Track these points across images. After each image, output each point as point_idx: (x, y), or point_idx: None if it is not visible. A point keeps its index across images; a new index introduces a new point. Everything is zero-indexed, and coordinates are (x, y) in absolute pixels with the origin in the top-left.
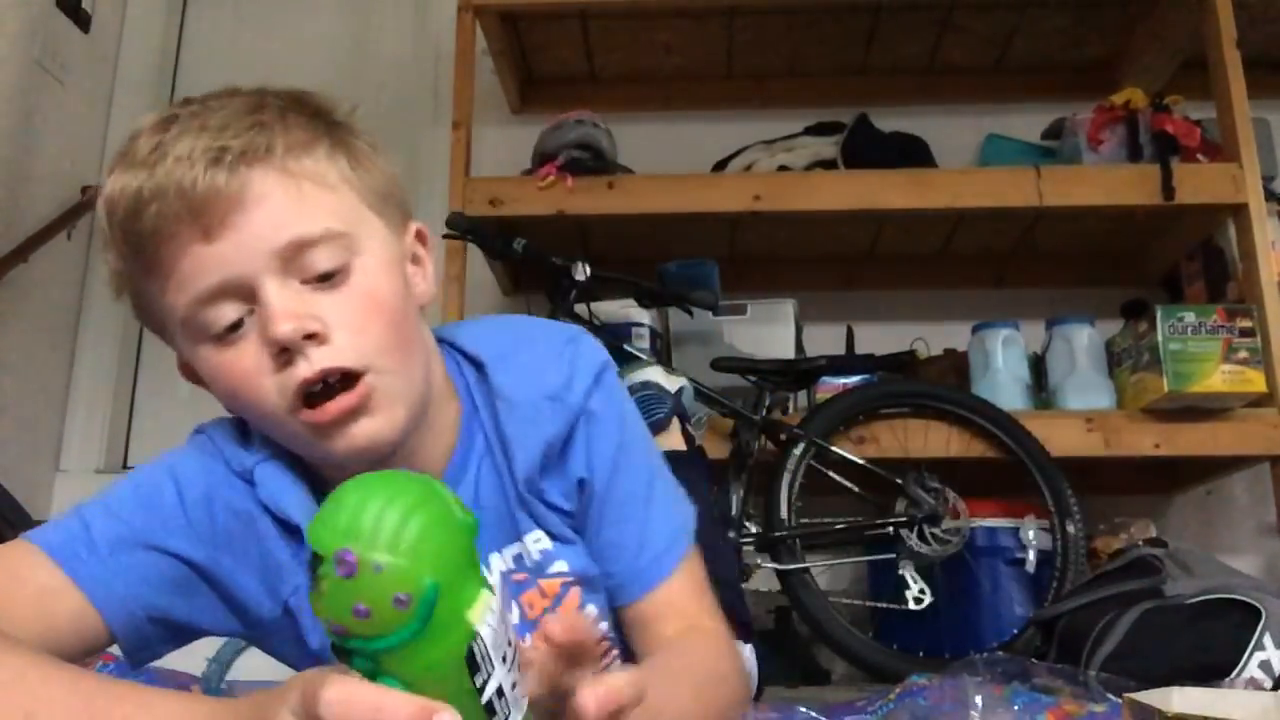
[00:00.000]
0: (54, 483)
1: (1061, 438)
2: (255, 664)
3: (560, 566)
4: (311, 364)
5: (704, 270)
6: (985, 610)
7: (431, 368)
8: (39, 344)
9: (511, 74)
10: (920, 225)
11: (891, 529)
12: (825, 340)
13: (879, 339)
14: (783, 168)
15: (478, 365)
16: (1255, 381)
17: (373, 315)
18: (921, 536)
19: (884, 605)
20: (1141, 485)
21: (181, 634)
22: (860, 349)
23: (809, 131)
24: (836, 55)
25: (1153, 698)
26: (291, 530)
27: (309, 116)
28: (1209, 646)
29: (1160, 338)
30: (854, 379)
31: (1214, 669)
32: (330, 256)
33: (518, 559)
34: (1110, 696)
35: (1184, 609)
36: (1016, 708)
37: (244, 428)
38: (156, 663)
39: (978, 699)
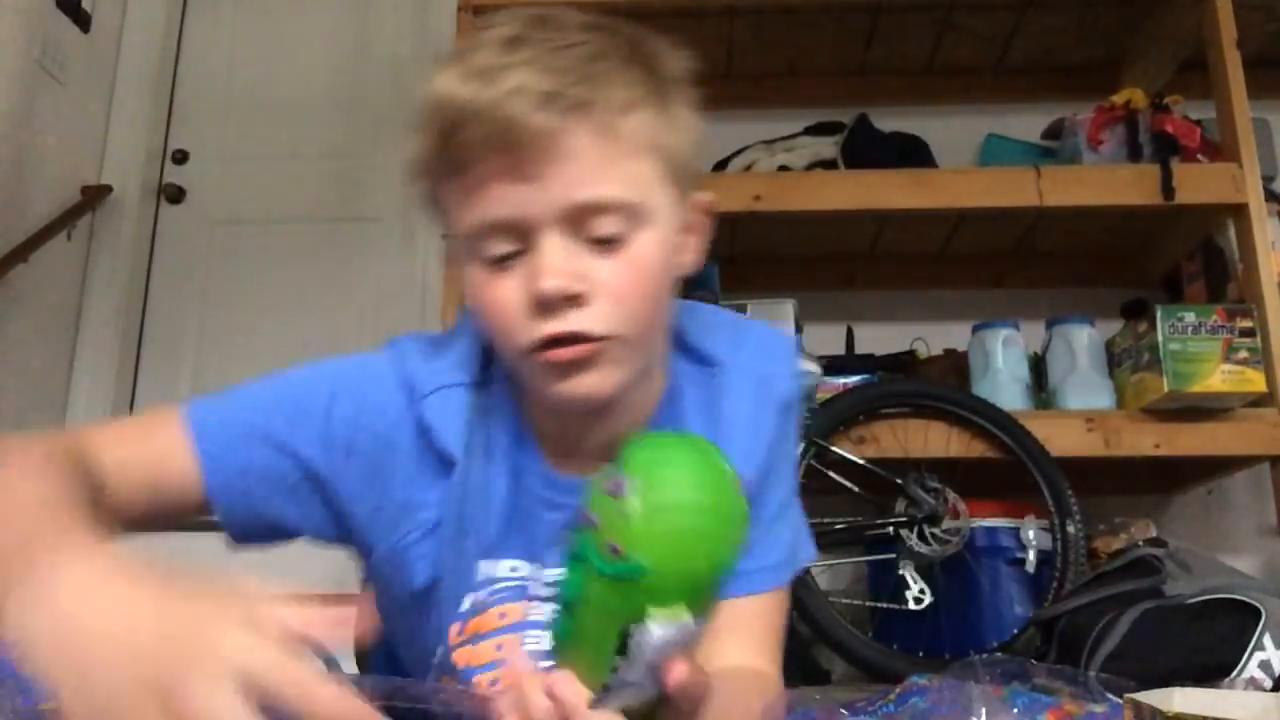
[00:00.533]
0: None
1: (1061, 438)
2: None
3: None
4: (563, 323)
5: (704, 270)
6: (985, 610)
7: (659, 347)
8: (39, 344)
9: None
10: (920, 225)
11: (891, 529)
12: (825, 340)
13: (879, 339)
14: (783, 168)
15: (699, 356)
16: (1255, 381)
17: (636, 287)
18: (921, 536)
19: (884, 605)
20: (1141, 485)
21: (280, 534)
22: (860, 349)
23: (809, 131)
24: (836, 55)
25: (1153, 698)
26: (434, 465)
27: (644, 72)
28: (1209, 646)
29: (1160, 338)
30: (854, 379)
31: (1214, 669)
32: (615, 224)
33: None
34: (1110, 696)
35: (1184, 609)
36: (1016, 709)
37: (443, 349)
38: None
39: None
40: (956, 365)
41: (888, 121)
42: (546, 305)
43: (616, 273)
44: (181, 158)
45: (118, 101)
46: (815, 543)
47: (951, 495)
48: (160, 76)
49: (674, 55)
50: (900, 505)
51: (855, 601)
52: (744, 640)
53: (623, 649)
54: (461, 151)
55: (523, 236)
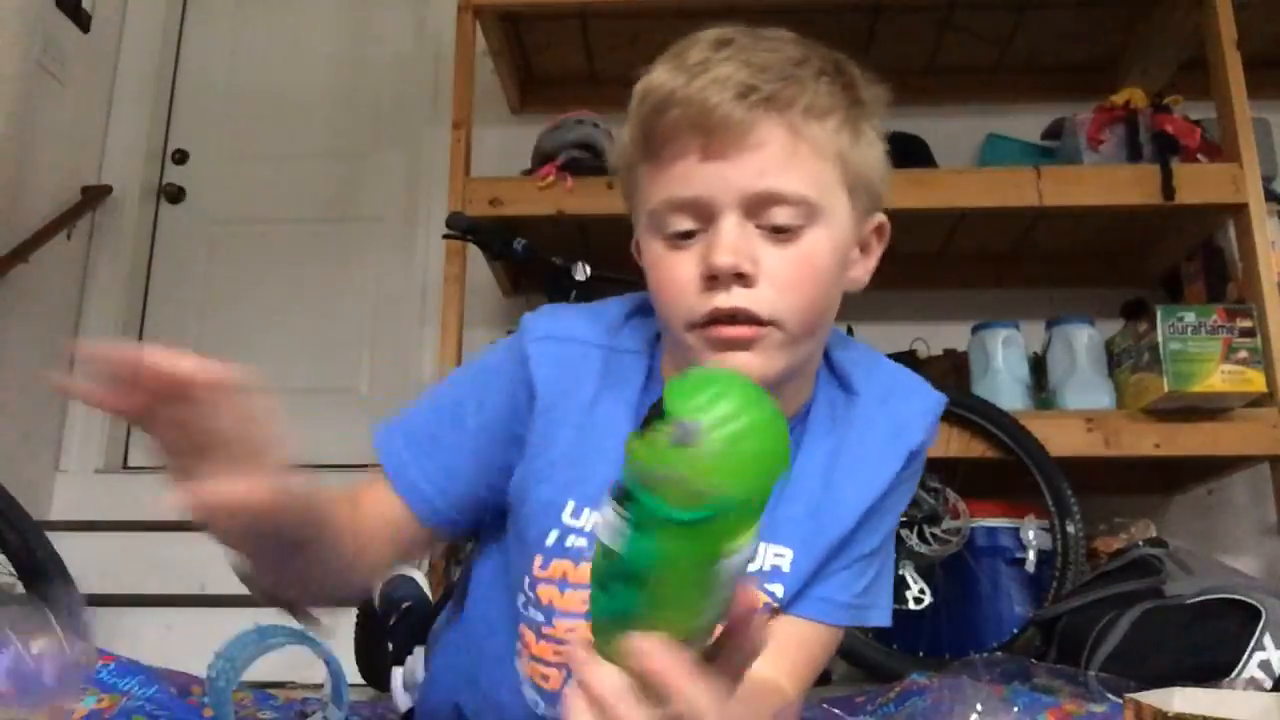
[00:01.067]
0: (54, 483)
1: (1061, 438)
2: (264, 666)
3: (775, 589)
4: (730, 299)
5: None
6: (985, 610)
7: (816, 350)
8: (39, 344)
9: (511, 74)
10: (920, 225)
11: None
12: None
13: (879, 339)
14: None
15: (844, 382)
16: (1255, 381)
17: (802, 279)
18: (921, 536)
19: None
20: (1141, 485)
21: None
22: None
23: None
24: None
25: (1153, 698)
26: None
27: (840, 86)
28: (1209, 646)
29: (1160, 338)
30: None
31: (1214, 669)
32: (791, 216)
33: None
34: (1110, 696)
35: (1184, 609)
36: (1016, 708)
37: (576, 313)
38: (158, 663)
39: (978, 699)
40: (956, 365)
41: (888, 121)
42: (717, 280)
43: (785, 262)
44: (181, 158)
45: (118, 101)
46: None
47: (951, 495)
48: (160, 76)
49: (874, 84)
50: None
51: None
52: (779, 659)
53: (704, 592)
54: (661, 133)
55: (704, 216)
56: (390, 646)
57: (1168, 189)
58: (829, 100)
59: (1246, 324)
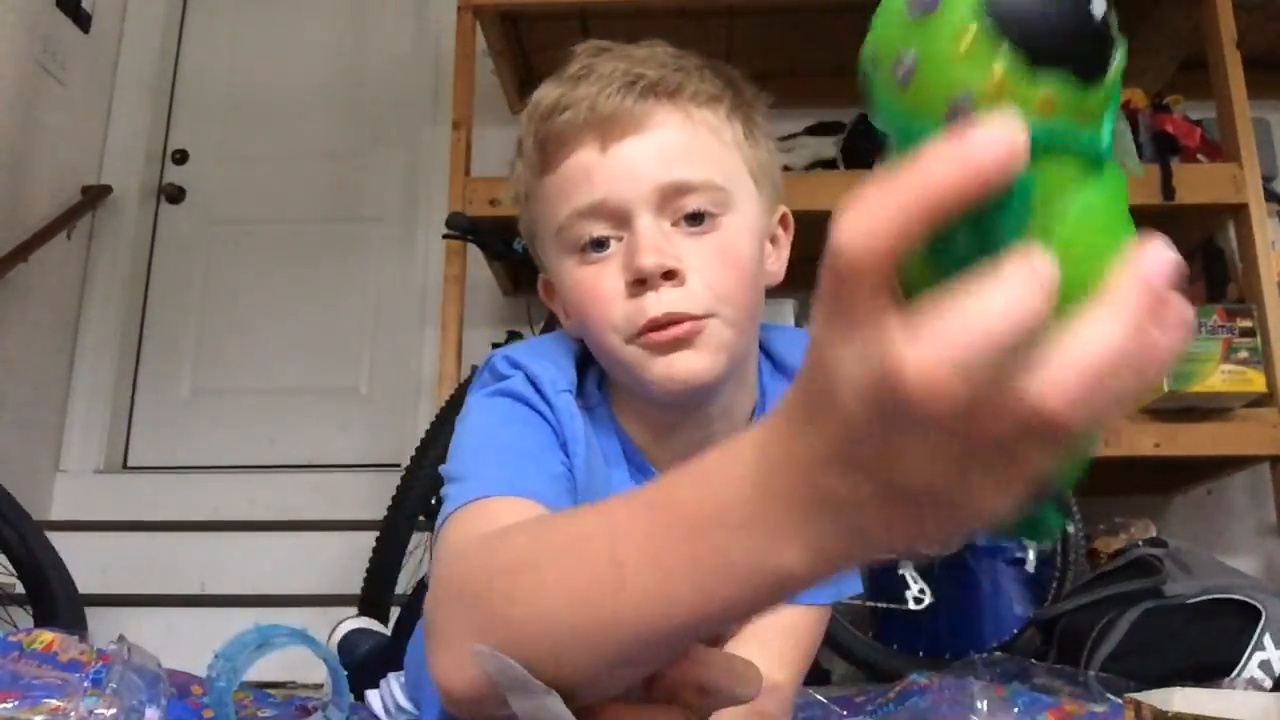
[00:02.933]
0: (54, 483)
1: None
2: (264, 666)
3: None
4: (661, 303)
5: None
6: (985, 610)
7: (752, 345)
8: (39, 344)
9: (511, 74)
10: None
11: None
12: None
13: None
14: (783, 168)
15: (788, 371)
16: (1255, 381)
17: (728, 266)
18: None
19: (884, 605)
20: (1141, 485)
21: None
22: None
23: (809, 131)
24: (836, 55)
25: (1153, 698)
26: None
27: (723, 80)
28: (1209, 646)
29: None
30: None
31: (1214, 669)
32: (704, 203)
33: None
34: (1110, 696)
35: (1184, 609)
36: (1016, 709)
37: (543, 358)
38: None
39: (978, 699)
40: None
41: None
42: (645, 284)
43: (708, 254)
44: (181, 158)
45: (118, 101)
46: None
47: None
48: (160, 76)
49: (755, 90)
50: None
51: (855, 601)
52: (766, 646)
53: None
54: (553, 140)
55: (617, 220)
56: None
57: (1168, 189)
58: (715, 89)
59: (1246, 324)
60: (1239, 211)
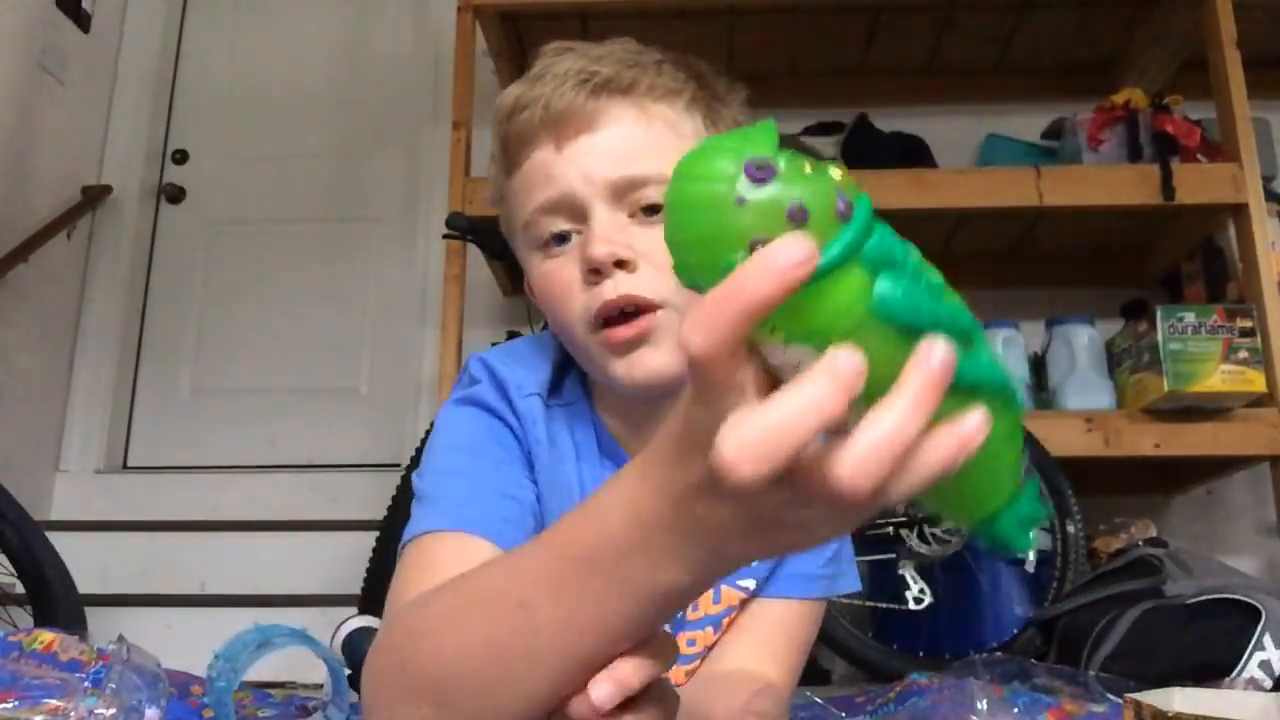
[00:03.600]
0: (54, 483)
1: (1061, 438)
2: (264, 666)
3: (747, 583)
4: (616, 287)
5: None
6: (985, 610)
7: None
8: (39, 344)
9: (511, 74)
10: (920, 225)
11: (891, 529)
12: None
13: None
14: None
15: None
16: (1255, 381)
17: None
18: (921, 536)
19: (884, 605)
20: (1141, 485)
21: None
22: None
23: (809, 131)
24: (836, 55)
25: (1153, 698)
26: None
27: (685, 73)
28: (1209, 646)
29: (1160, 338)
30: None
31: (1214, 669)
32: (659, 195)
33: None
34: (1110, 696)
35: (1184, 609)
36: (1016, 709)
37: (517, 360)
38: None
39: (978, 699)
40: None
41: (888, 121)
42: (598, 272)
43: (661, 242)
44: (181, 158)
45: (118, 101)
46: None
47: None
48: (160, 76)
49: (729, 83)
50: (900, 505)
51: (855, 601)
52: (757, 643)
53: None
54: (514, 140)
55: (575, 215)
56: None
57: (1168, 189)
58: (673, 83)
59: (1246, 324)
60: (1239, 211)
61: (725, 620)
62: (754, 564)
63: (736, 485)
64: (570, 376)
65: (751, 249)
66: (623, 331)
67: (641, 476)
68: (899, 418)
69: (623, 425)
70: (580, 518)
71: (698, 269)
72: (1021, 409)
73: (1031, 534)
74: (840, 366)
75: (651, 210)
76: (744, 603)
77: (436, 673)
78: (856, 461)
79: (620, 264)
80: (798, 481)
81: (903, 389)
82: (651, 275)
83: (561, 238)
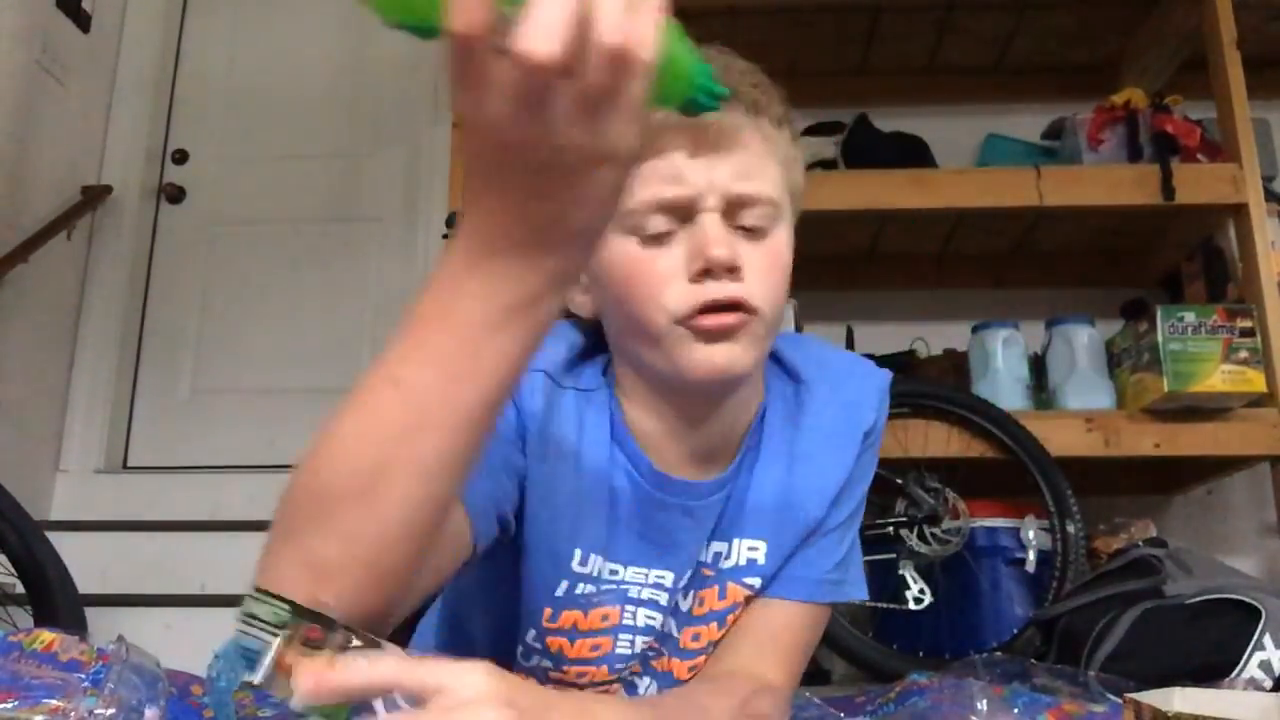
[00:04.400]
0: (54, 483)
1: (1061, 438)
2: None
3: (753, 581)
4: (724, 289)
5: None
6: (985, 610)
7: (774, 338)
8: (39, 344)
9: None
10: (920, 225)
11: (891, 529)
12: (825, 340)
13: (879, 339)
14: None
15: (790, 372)
16: (1255, 381)
17: (776, 271)
18: (921, 536)
19: (884, 605)
20: (1141, 485)
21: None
22: (860, 349)
23: (809, 131)
24: (836, 55)
25: (1153, 698)
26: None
27: (780, 101)
28: (1209, 646)
29: (1160, 338)
30: None
31: (1214, 669)
32: (762, 217)
33: (716, 556)
34: (1110, 696)
35: (1184, 609)
36: (1016, 709)
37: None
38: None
39: (978, 699)
40: (956, 365)
41: (888, 121)
42: (710, 273)
43: (761, 255)
44: (181, 158)
45: (118, 101)
46: None
47: (951, 495)
48: (160, 76)
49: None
50: (900, 505)
51: (855, 601)
52: (762, 645)
53: None
54: (647, 134)
55: (685, 216)
56: None
57: (1168, 189)
58: (783, 110)
59: (1246, 324)
60: (1239, 211)
61: (730, 617)
62: (759, 561)
63: (466, 36)
64: (592, 365)
65: None
66: (722, 319)
67: (460, 226)
68: None
69: (644, 415)
70: (420, 300)
71: None
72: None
73: (717, 97)
74: None
75: (750, 229)
76: (748, 600)
77: (317, 485)
78: (532, 23)
79: (732, 270)
80: (508, 77)
81: None
82: (754, 284)
83: (662, 234)
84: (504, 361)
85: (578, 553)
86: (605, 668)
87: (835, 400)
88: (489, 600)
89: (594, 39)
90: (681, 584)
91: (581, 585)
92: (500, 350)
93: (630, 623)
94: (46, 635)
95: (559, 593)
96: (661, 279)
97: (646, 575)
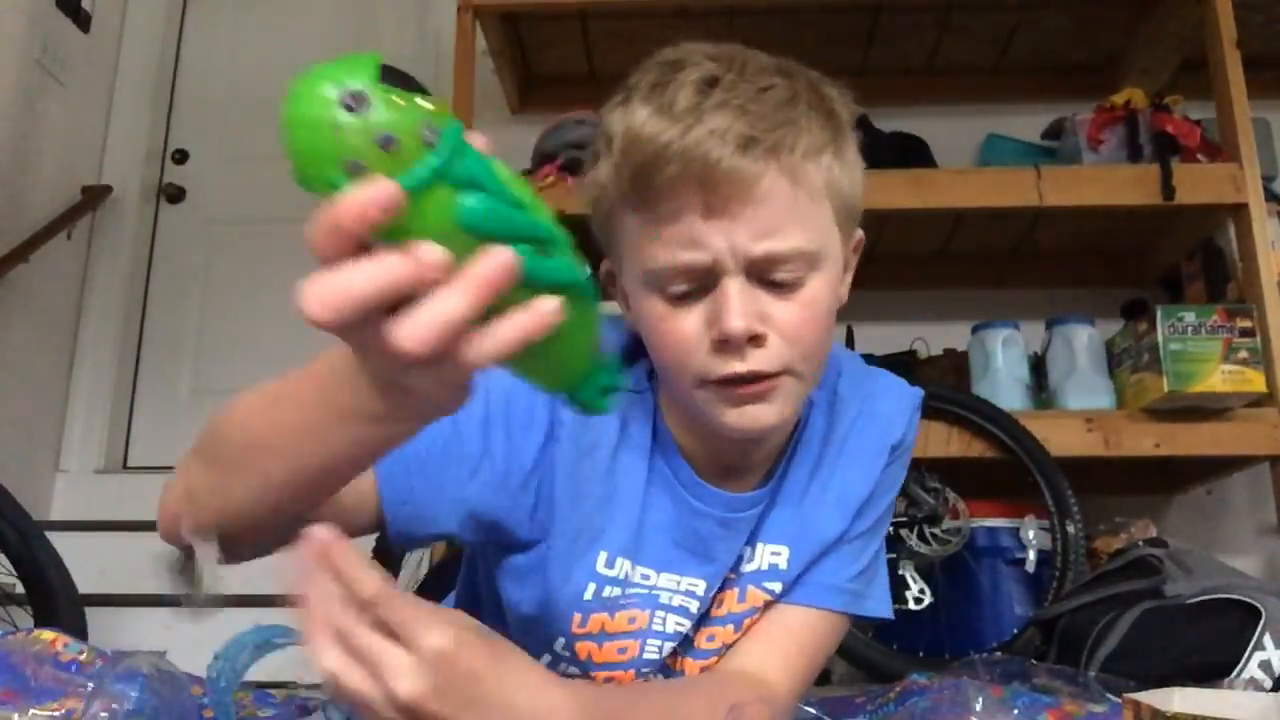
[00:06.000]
0: (54, 483)
1: (1061, 438)
2: (264, 666)
3: (773, 586)
4: (744, 363)
5: None
6: (985, 610)
7: (821, 372)
8: (39, 344)
9: (511, 74)
10: (920, 225)
11: (891, 529)
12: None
13: (879, 339)
14: None
15: (829, 387)
16: (1255, 381)
17: (809, 326)
18: (921, 536)
19: None
20: (1141, 485)
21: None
22: (860, 349)
23: None
24: (836, 55)
25: (1153, 698)
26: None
27: (825, 116)
28: (1209, 646)
29: (1160, 338)
30: None
31: (1214, 669)
32: (792, 271)
33: (739, 559)
34: (1110, 696)
35: (1184, 609)
36: (1016, 709)
37: None
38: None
39: (977, 699)
40: (956, 365)
41: (888, 121)
42: (729, 343)
43: (792, 314)
44: (181, 158)
45: (118, 101)
46: None
47: (951, 495)
48: (160, 76)
49: (847, 99)
50: (900, 505)
51: None
52: (770, 648)
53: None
54: (658, 189)
55: (706, 281)
56: None
57: (1168, 189)
58: (821, 136)
59: (1246, 324)
60: (1239, 211)
61: (746, 621)
62: (780, 567)
63: (316, 325)
64: (638, 367)
65: (349, 170)
66: (746, 391)
67: (327, 376)
68: (448, 298)
69: (689, 435)
70: (322, 357)
71: (306, 180)
72: (595, 301)
73: (609, 399)
74: (420, 253)
75: (781, 285)
76: (768, 604)
77: (215, 436)
78: (409, 326)
79: (753, 338)
80: (370, 344)
81: (461, 278)
82: (779, 346)
83: (686, 294)
84: (344, 449)
85: (603, 555)
86: (631, 672)
87: (865, 412)
88: (513, 616)
89: (389, 331)
90: (713, 593)
91: (609, 589)
92: (345, 440)
93: (660, 629)
94: (46, 635)
95: (587, 596)
96: (687, 344)
97: (679, 582)
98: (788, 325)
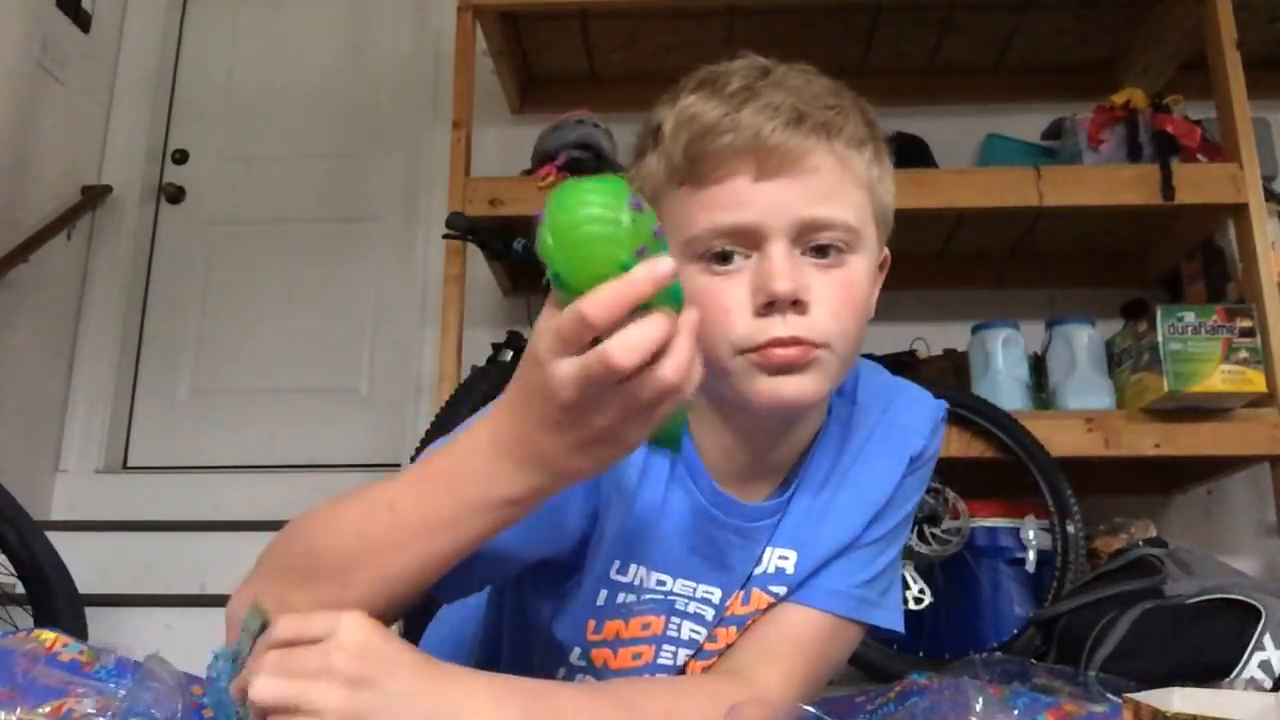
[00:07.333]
0: (54, 483)
1: (1061, 438)
2: None
3: (778, 589)
4: (788, 326)
5: None
6: (985, 610)
7: (849, 367)
8: (39, 344)
9: (511, 74)
10: (920, 225)
11: None
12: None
13: (879, 339)
14: None
15: (850, 396)
16: (1255, 381)
17: (848, 303)
18: (921, 536)
19: None
20: (1141, 485)
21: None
22: (860, 349)
23: None
24: (836, 55)
25: (1153, 698)
26: None
27: (866, 120)
28: (1209, 646)
29: (1160, 338)
30: None
31: (1214, 669)
32: (837, 237)
33: None
34: (1110, 696)
35: (1184, 609)
36: (1016, 709)
37: None
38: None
39: (977, 699)
40: (956, 365)
41: (888, 121)
42: (773, 306)
43: (833, 287)
44: (181, 158)
45: (118, 101)
46: None
47: (951, 495)
48: (160, 76)
49: (880, 121)
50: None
51: None
52: (767, 647)
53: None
54: (709, 159)
55: (751, 242)
56: None
57: (1168, 189)
58: (864, 131)
59: (1246, 324)
60: (1239, 211)
61: (749, 623)
62: (787, 571)
63: (617, 371)
64: None
65: (638, 254)
66: (788, 353)
67: (500, 418)
68: (648, 327)
69: (706, 432)
70: (445, 452)
71: (589, 266)
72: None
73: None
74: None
75: (822, 251)
76: (770, 606)
77: (311, 551)
78: (621, 340)
79: (795, 302)
80: (593, 373)
81: (649, 320)
82: (822, 316)
83: (726, 256)
84: (477, 534)
85: (616, 562)
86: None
87: (884, 421)
88: (532, 626)
89: (658, 372)
90: (728, 601)
91: (623, 594)
92: (479, 526)
93: (675, 635)
94: (46, 635)
95: (599, 602)
96: (726, 311)
97: (695, 589)
98: (829, 296)
